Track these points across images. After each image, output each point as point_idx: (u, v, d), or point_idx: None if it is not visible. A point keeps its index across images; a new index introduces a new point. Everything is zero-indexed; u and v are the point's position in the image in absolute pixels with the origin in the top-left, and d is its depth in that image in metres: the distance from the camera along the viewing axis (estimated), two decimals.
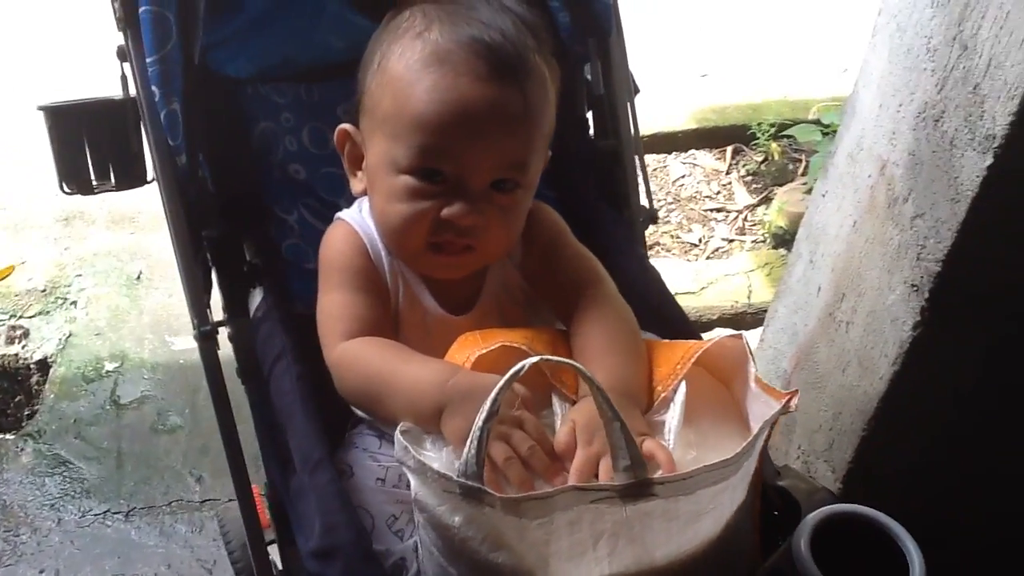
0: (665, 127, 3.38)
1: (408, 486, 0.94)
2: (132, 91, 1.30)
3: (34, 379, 2.49)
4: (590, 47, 1.47)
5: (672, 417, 1.00)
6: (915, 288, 1.42)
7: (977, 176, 1.27)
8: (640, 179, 1.51)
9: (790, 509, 1.04)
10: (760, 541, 1.02)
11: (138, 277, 2.79)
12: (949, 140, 1.33)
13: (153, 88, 1.23)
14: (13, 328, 2.61)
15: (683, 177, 3.30)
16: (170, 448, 2.30)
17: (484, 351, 1.03)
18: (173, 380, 2.47)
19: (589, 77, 1.50)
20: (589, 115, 1.53)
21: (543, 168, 1.20)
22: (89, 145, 1.37)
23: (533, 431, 0.96)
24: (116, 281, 2.79)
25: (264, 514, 1.35)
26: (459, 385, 0.98)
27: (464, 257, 1.14)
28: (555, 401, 1.04)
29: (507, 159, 1.11)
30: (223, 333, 1.31)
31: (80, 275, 2.80)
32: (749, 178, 3.27)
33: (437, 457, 0.94)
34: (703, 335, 1.19)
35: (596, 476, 0.92)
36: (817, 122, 3.20)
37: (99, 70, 1.47)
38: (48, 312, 2.67)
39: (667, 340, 1.15)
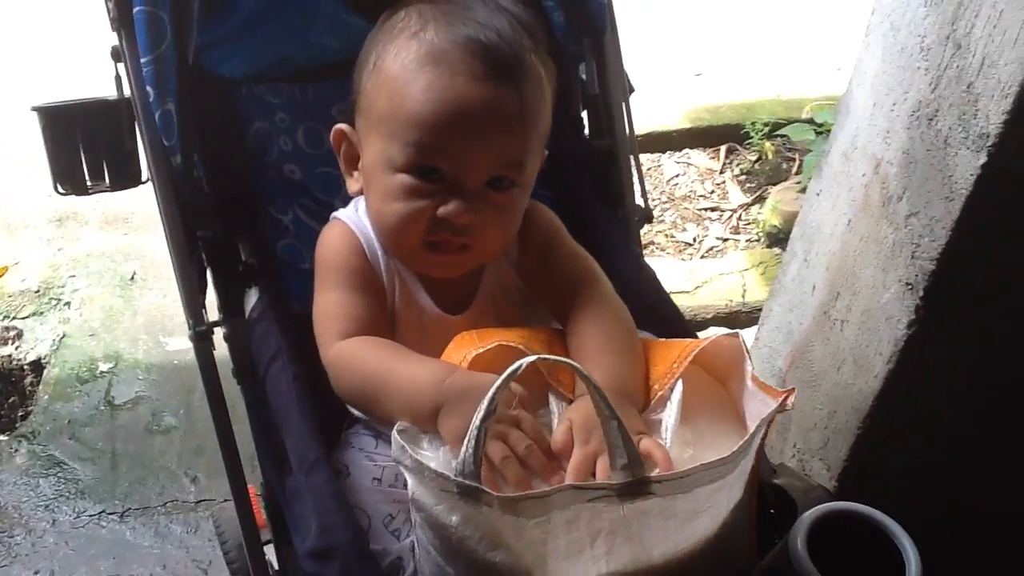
0: (659, 126, 3.38)
1: (405, 485, 0.94)
2: (127, 91, 1.30)
3: (28, 380, 2.48)
4: (585, 46, 1.47)
5: (669, 416, 1.00)
6: (910, 286, 1.42)
7: (971, 175, 1.27)
8: (635, 178, 1.51)
9: (786, 507, 1.03)
10: (757, 539, 1.02)
11: (132, 278, 2.79)
12: (943, 139, 1.33)
13: (148, 88, 1.23)
14: (7, 329, 2.60)
15: (677, 176, 3.30)
16: (165, 449, 2.29)
17: (481, 350, 1.03)
18: (167, 381, 2.47)
19: (584, 76, 1.50)
20: (584, 114, 1.53)
21: (540, 168, 1.20)
22: (83, 146, 1.36)
23: (530, 430, 0.96)
24: (110, 282, 2.78)
25: (260, 514, 1.34)
26: (456, 384, 0.98)
27: (460, 256, 1.14)
28: (552, 400, 1.04)
29: (503, 158, 1.11)
30: (218, 333, 1.30)
31: (74, 276, 2.80)
32: (743, 177, 3.28)
33: (434, 456, 0.94)
34: (698, 334, 1.19)
35: (593, 475, 0.93)
36: (811, 121, 3.21)
37: (93, 70, 1.47)
38: (42, 313, 2.67)
39: (663, 339, 1.15)
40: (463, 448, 0.85)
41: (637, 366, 1.08)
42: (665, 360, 1.07)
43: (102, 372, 2.49)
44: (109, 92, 1.33)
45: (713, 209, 3.17)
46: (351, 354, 1.11)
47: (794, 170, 3.22)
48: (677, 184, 3.27)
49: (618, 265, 1.30)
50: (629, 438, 0.86)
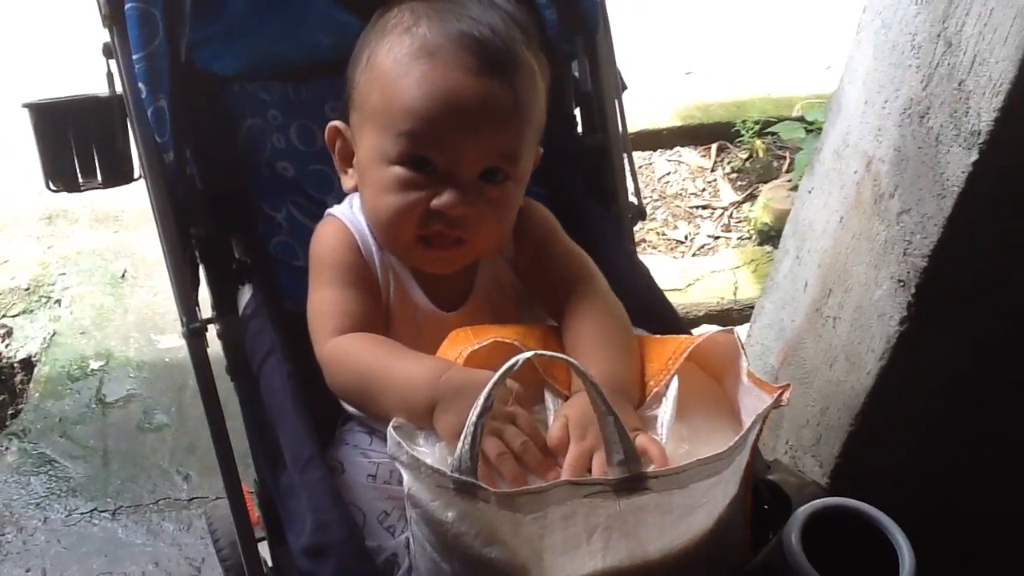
0: (650, 124, 3.39)
1: (399, 482, 0.94)
2: (118, 88, 1.29)
3: (18, 378, 2.48)
4: (577, 44, 1.47)
5: (664, 412, 1.00)
6: (902, 283, 1.43)
7: (962, 172, 1.28)
8: (628, 175, 1.52)
9: (781, 503, 1.04)
10: (751, 535, 1.02)
11: (123, 275, 2.78)
12: (934, 136, 1.34)
13: (140, 85, 1.23)
14: None
15: (668, 174, 3.31)
16: (157, 446, 2.29)
17: (476, 347, 1.03)
18: (159, 378, 2.46)
19: (577, 74, 1.50)
20: (577, 112, 1.53)
21: (535, 164, 1.20)
22: (75, 143, 1.35)
23: (526, 426, 0.96)
24: (100, 280, 2.77)
25: (252, 512, 1.34)
26: (452, 381, 0.98)
27: (455, 251, 1.14)
28: (547, 397, 1.04)
29: (496, 150, 1.11)
30: (211, 330, 1.30)
31: (64, 274, 2.79)
32: (734, 175, 3.29)
33: (430, 453, 0.94)
34: (692, 331, 1.19)
35: (589, 471, 0.93)
36: (801, 119, 3.22)
37: (84, 67, 1.46)
38: (32, 311, 2.66)
39: (658, 335, 1.15)
40: (459, 444, 0.85)
41: (633, 362, 1.09)
42: (660, 356, 1.07)
43: (93, 370, 2.48)
44: (101, 89, 1.32)
45: (704, 207, 3.18)
46: (346, 351, 1.10)
47: (785, 168, 3.23)
48: (668, 182, 3.27)
49: (611, 262, 1.30)
50: (625, 433, 0.86)
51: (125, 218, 2.98)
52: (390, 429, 0.92)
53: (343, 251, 1.18)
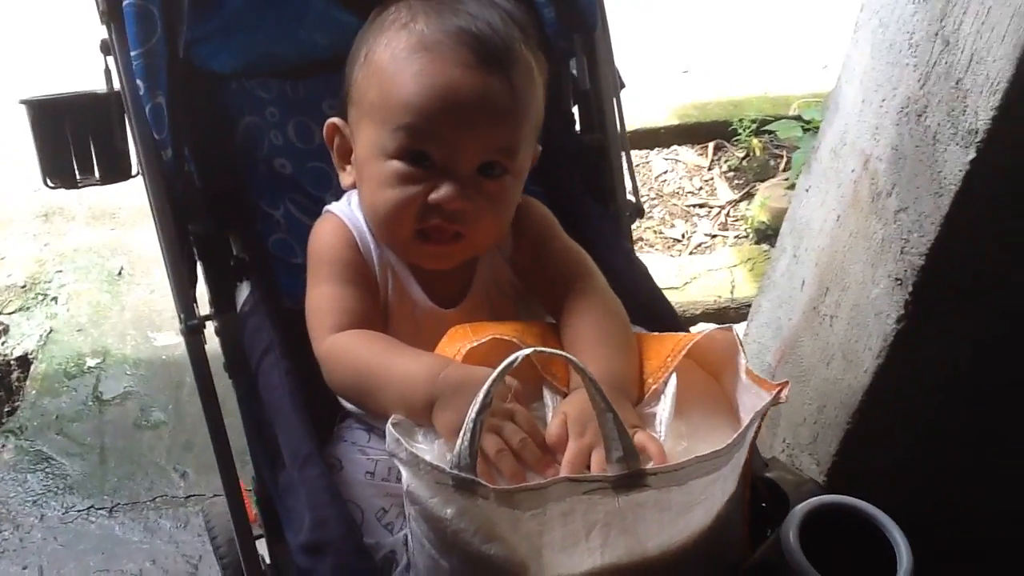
0: (647, 123, 3.39)
1: (397, 479, 0.94)
2: (116, 85, 1.29)
3: (15, 375, 2.47)
4: (575, 42, 1.47)
5: (663, 409, 1.00)
6: (899, 282, 1.43)
7: (960, 170, 1.28)
8: (626, 173, 1.52)
9: (778, 501, 1.04)
10: (749, 532, 1.02)
11: (119, 273, 2.78)
12: (932, 135, 1.34)
13: (138, 82, 1.23)
14: None
15: (665, 173, 3.31)
16: (154, 444, 2.29)
17: (475, 344, 1.03)
18: (156, 376, 2.46)
19: (575, 72, 1.50)
20: (575, 110, 1.53)
21: (534, 162, 1.20)
22: (73, 139, 1.35)
23: (524, 423, 0.96)
24: (97, 277, 2.77)
25: (250, 509, 1.34)
26: (450, 378, 0.98)
27: (453, 246, 1.14)
28: (546, 394, 1.04)
29: (494, 144, 1.11)
30: (209, 328, 1.30)
31: (60, 271, 2.79)
32: (731, 174, 3.29)
33: (429, 449, 0.94)
34: (689, 329, 1.19)
35: (588, 468, 0.93)
36: (798, 118, 3.22)
37: (82, 63, 1.46)
38: (28, 308, 2.65)
39: (657, 333, 1.15)
40: (459, 440, 0.85)
41: (631, 360, 1.09)
42: (659, 354, 1.07)
43: (90, 367, 2.48)
44: (99, 85, 1.32)
45: (701, 205, 3.18)
46: (344, 347, 1.11)
47: (782, 167, 3.23)
48: (665, 181, 3.28)
49: (609, 260, 1.30)
50: (625, 430, 0.86)
51: (122, 215, 2.97)
52: (389, 426, 0.92)
53: (341, 248, 1.18)
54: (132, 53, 1.22)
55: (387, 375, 1.04)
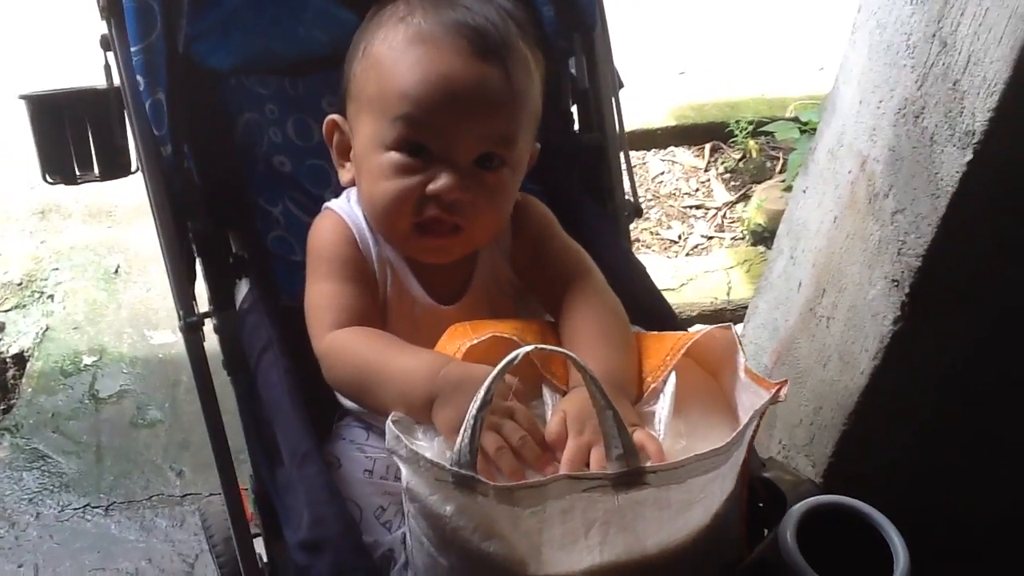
0: (644, 124, 3.39)
1: (396, 478, 0.94)
2: (116, 80, 1.29)
3: (10, 373, 2.47)
4: (575, 41, 1.47)
5: (662, 408, 1.00)
6: (895, 283, 1.43)
7: (957, 172, 1.28)
8: (624, 173, 1.52)
9: (776, 500, 1.04)
10: (746, 531, 1.03)
11: (116, 271, 2.77)
12: (929, 136, 1.34)
13: (138, 77, 1.23)
14: None
15: (662, 174, 3.31)
16: (150, 442, 2.28)
17: (475, 341, 1.03)
18: (152, 374, 2.46)
19: (574, 72, 1.50)
20: (574, 110, 1.53)
21: (532, 160, 1.21)
22: (72, 135, 1.35)
23: (524, 421, 0.96)
24: (93, 275, 2.77)
25: (247, 508, 1.34)
26: (450, 375, 0.98)
27: (452, 239, 1.14)
28: (545, 392, 1.04)
29: (491, 134, 1.11)
30: (208, 325, 1.30)
31: (57, 269, 2.78)
32: (728, 175, 3.29)
33: (428, 447, 0.94)
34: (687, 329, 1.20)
35: (587, 465, 0.93)
36: (795, 120, 3.23)
37: (81, 59, 1.46)
38: (24, 305, 2.65)
39: (656, 332, 1.15)
40: (459, 437, 0.85)
41: (631, 358, 1.09)
42: (658, 353, 1.07)
43: (86, 365, 2.48)
44: (98, 81, 1.32)
45: (698, 207, 3.18)
46: (343, 344, 1.10)
47: (778, 168, 3.24)
48: (662, 182, 3.28)
49: (608, 259, 1.30)
50: (624, 428, 0.86)
51: (118, 213, 2.97)
52: (388, 423, 0.92)
53: (340, 245, 1.18)
54: (132, 49, 1.22)
55: (387, 372, 1.04)
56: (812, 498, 1.00)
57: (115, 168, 1.37)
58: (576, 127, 1.53)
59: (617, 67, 1.51)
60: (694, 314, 2.74)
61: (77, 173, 1.37)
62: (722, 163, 3.34)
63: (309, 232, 1.22)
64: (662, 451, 0.93)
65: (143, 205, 1.29)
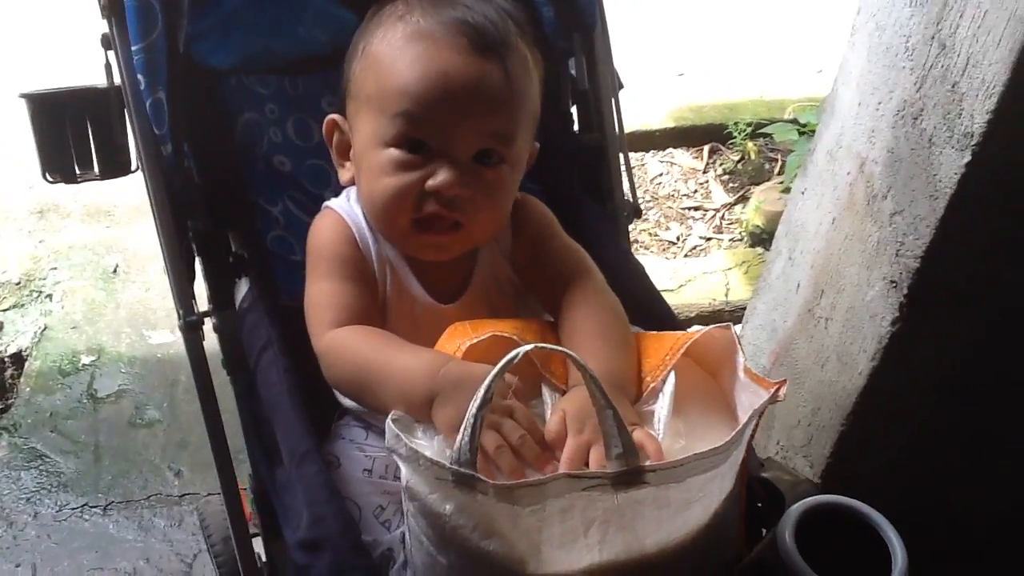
0: (643, 125, 3.39)
1: (395, 477, 0.94)
2: (116, 79, 1.29)
3: (9, 372, 2.46)
4: (575, 42, 1.48)
5: (661, 407, 1.00)
6: (894, 284, 1.44)
7: (955, 173, 1.29)
8: (624, 174, 1.52)
9: (774, 500, 1.04)
10: (745, 531, 1.03)
11: (114, 271, 2.77)
12: (928, 138, 1.35)
13: (139, 76, 1.23)
14: None
15: (661, 175, 3.31)
16: (148, 442, 2.28)
17: (475, 340, 1.03)
18: (151, 374, 2.46)
19: (573, 72, 1.51)
20: (573, 110, 1.53)
21: (531, 160, 1.21)
22: (72, 134, 1.35)
23: (523, 420, 0.96)
24: (92, 274, 2.76)
25: (245, 507, 1.34)
26: (451, 374, 0.98)
27: (451, 236, 1.14)
28: (545, 391, 1.04)
29: (490, 130, 1.11)
30: (207, 324, 1.30)
31: (55, 268, 2.78)
32: (726, 177, 3.30)
33: (428, 445, 0.94)
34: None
35: (586, 464, 0.93)
36: (793, 121, 3.23)
37: (82, 58, 1.46)
38: (23, 305, 2.65)
39: (655, 332, 1.16)
40: (459, 436, 0.85)
41: (630, 358, 1.09)
42: (657, 352, 1.08)
43: (84, 365, 2.47)
44: (99, 80, 1.32)
45: (696, 208, 3.19)
46: (343, 343, 1.11)
47: (776, 170, 3.24)
48: (661, 183, 3.28)
49: (607, 259, 1.30)
50: (624, 427, 0.86)
51: (117, 213, 2.97)
52: (388, 422, 0.92)
53: (340, 244, 1.18)
54: (133, 48, 1.22)
55: (387, 371, 1.04)
56: (810, 498, 1.00)
57: (115, 167, 1.37)
58: (576, 127, 1.53)
59: (616, 68, 1.51)
60: (692, 315, 2.74)
61: (77, 172, 1.37)
62: (721, 165, 3.34)
63: (309, 231, 1.22)
64: (661, 450, 0.93)
65: (142, 205, 1.29)
